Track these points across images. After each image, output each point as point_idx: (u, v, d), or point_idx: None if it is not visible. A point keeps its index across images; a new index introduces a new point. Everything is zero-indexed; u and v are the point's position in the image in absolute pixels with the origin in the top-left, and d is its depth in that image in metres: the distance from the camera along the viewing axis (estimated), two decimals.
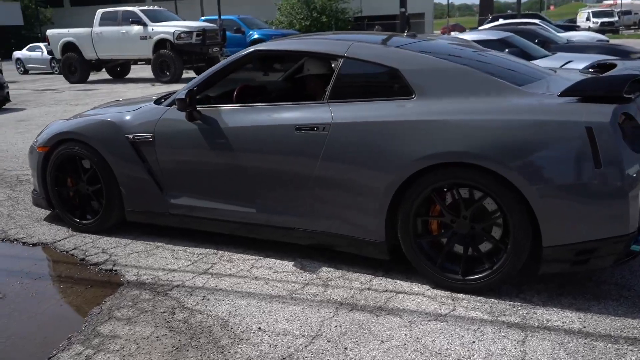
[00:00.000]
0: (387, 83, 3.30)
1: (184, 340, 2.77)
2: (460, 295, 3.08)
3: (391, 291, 3.17)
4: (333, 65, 3.66)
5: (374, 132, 3.17)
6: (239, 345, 2.71)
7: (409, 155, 3.05)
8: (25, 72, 23.74)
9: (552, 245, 2.85)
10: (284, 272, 3.48)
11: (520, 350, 2.55)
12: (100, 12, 17.69)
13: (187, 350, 2.69)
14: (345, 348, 2.64)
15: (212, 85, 3.90)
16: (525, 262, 3.01)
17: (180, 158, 3.82)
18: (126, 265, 3.69)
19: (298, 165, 3.40)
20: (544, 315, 2.84)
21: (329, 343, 2.69)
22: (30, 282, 3.56)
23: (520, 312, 2.88)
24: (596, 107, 2.79)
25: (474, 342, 2.64)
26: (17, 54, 24.40)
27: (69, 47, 17.91)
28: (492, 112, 2.94)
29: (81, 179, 4.24)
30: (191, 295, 3.24)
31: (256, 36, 22.24)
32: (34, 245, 4.16)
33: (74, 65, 18.01)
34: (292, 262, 3.60)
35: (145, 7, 18.59)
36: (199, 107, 3.77)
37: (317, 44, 3.62)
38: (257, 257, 3.71)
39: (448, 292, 3.11)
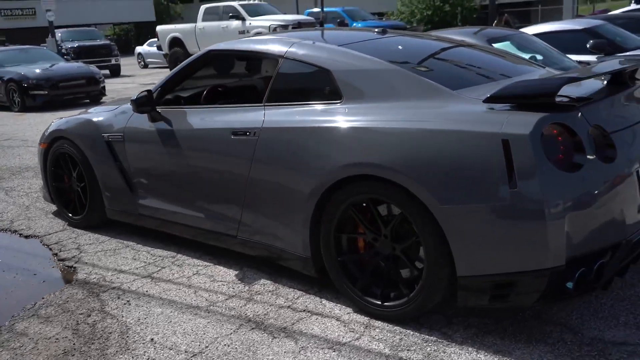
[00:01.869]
0: (320, 85, 3.07)
1: (77, 345, 2.78)
2: (377, 323, 2.79)
3: (309, 312, 2.95)
4: None
5: (296, 139, 2.97)
6: (121, 355, 2.66)
7: (325, 166, 2.82)
8: (145, 66, 25.42)
9: (467, 275, 2.49)
10: (221, 281, 3.38)
11: None
12: (203, 7, 18.46)
13: (73, 355, 2.70)
14: None
15: (174, 87, 3.87)
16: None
17: (144, 159, 3.85)
18: (86, 263, 3.78)
19: (234, 170, 3.28)
20: (452, 355, 2.49)
21: None
22: None
23: (428, 349, 2.55)
24: (519, 116, 2.38)
25: None
26: (138, 48, 26.19)
27: (176, 42, 18.90)
28: (410, 120, 2.63)
29: (72, 175, 4.41)
30: (118, 298, 3.24)
31: None
32: (27, 237, 4.40)
33: (180, 60, 18.95)
34: (236, 272, 3.49)
35: (246, 2, 19.09)
36: (162, 108, 3.75)
37: (263, 43, 3.45)
38: (207, 264, 3.64)
39: (367, 318, 2.84)
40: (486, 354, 2.49)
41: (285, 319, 2.89)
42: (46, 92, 11.76)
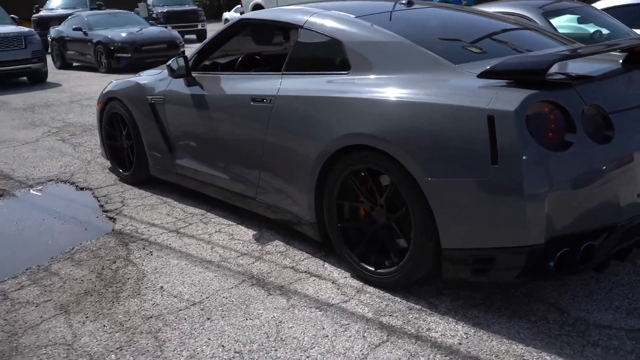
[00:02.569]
0: (333, 56, 3.14)
1: (97, 287, 3.08)
2: (369, 289, 2.89)
3: (309, 273, 3.09)
4: None
5: (305, 108, 3.08)
6: (132, 299, 2.93)
7: (329, 135, 2.92)
8: None
9: (450, 247, 2.53)
10: (238, 240, 3.58)
11: (362, 354, 2.37)
12: None
13: (92, 295, 2.99)
14: (208, 318, 2.71)
15: (209, 54, 4.06)
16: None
17: (180, 120, 4.08)
18: (125, 215, 4.11)
19: (252, 135, 3.44)
20: (431, 324, 2.56)
21: (201, 311, 2.77)
22: (48, 218, 4.18)
23: (410, 317, 2.63)
24: (508, 92, 2.37)
25: (327, 336, 2.51)
26: (226, 14, 26.90)
27: (257, 8, 19.20)
28: (406, 92, 2.67)
29: (123, 134, 4.75)
30: (143, 249, 3.52)
31: None
32: (82, 189, 4.81)
33: None
34: (255, 233, 3.68)
35: None
36: (197, 73, 3.96)
37: (288, 13, 3.54)
38: (230, 223, 3.85)
39: (360, 284, 2.96)
40: (464, 325, 2.54)
41: (285, 278, 3.06)
42: (129, 55, 12.41)
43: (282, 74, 3.34)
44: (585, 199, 2.37)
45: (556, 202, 2.31)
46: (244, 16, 3.84)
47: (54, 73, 13.20)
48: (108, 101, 4.79)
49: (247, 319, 2.68)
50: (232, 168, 3.71)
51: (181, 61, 3.86)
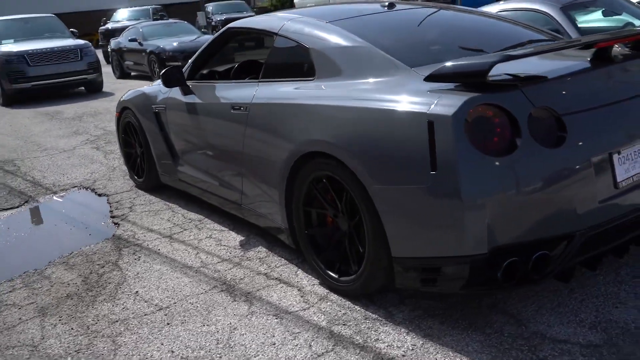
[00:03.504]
0: (301, 62, 3.14)
1: (80, 291, 3.22)
2: (333, 297, 2.87)
3: (279, 279, 3.10)
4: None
5: (273, 115, 3.10)
6: (105, 303, 3.04)
7: (292, 142, 2.92)
8: None
9: (400, 256, 2.48)
10: (224, 246, 3.64)
11: None
12: None
13: (72, 299, 3.13)
14: (168, 324, 2.77)
15: (203, 62, 4.13)
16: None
17: (178, 128, 4.20)
18: (129, 221, 4.26)
19: (233, 142, 3.48)
20: (382, 334, 2.51)
21: (165, 316, 2.84)
22: (59, 223, 4.41)
23: (363, 326, 2.58)
24: (449, 96, 2.29)
25: (274, 344, 2.51)
26: None
27: None
28: (357, 97, 2.64)
29: (136, 142, 4.92)
30: (134, 254, 3.64)
31: None
32: (99, 195, 5.02)
33: None
34: (242, 239, 3.72)
35: None
36: (191, 82, 4.06)
37: (268, 20, 3.56)
38: (222, 229, 3.92)
39: (326, 291, 2.94)
40: (415, 336, 2.47)
41: (255, 284, 3.08)
42: (180, 64, 12.78)
43: (259, 82, 3.37)
44: (535, 206, 2.25)
45: (500, 210, 2.21)
46: (231, 25, 3.89)
47: (112, 83, 13.82)
48: (123, 110, 4.98)
49: (204, 325, 2.72)
50: (222, 175, 3.77)
51: (172, 71, 3.96)
